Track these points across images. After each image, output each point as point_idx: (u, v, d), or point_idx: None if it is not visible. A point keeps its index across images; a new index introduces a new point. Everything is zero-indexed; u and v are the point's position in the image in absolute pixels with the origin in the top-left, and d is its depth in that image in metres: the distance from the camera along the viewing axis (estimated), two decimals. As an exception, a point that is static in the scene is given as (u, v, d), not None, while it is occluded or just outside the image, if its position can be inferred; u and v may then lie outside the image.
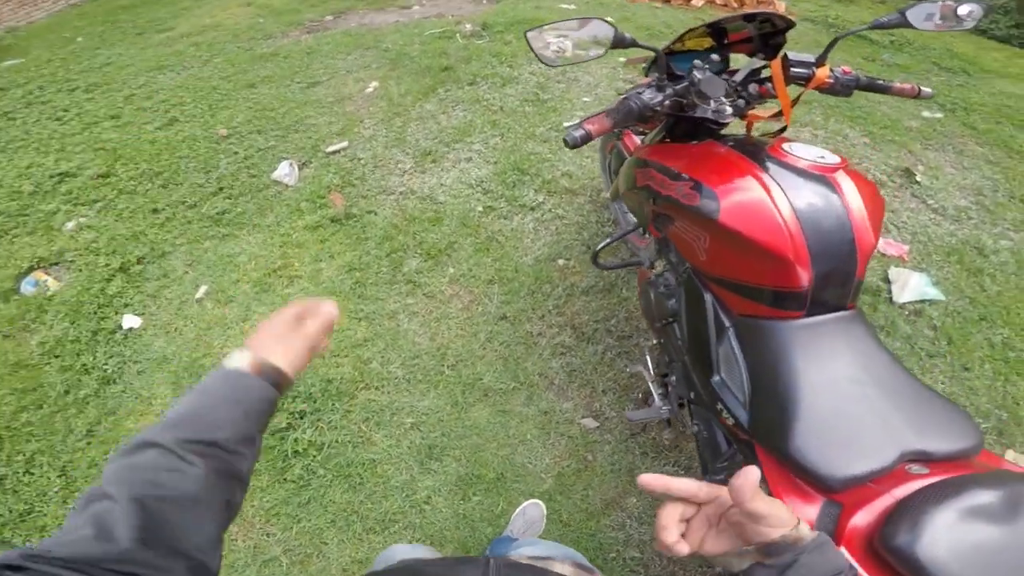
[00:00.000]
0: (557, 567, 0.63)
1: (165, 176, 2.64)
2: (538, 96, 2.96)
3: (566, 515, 1.55)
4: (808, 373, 0.87)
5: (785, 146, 1.00)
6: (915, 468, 0.80)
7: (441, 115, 2.85)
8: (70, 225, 2.44)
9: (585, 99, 3.00)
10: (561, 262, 2.09)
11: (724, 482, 1.05)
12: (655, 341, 1.51)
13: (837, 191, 0.92)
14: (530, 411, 1.71)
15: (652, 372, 1.51)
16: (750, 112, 1.19)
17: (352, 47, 3.73)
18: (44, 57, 4.44)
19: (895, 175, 2.84)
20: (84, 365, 1.89)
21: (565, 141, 0.96)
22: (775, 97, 1.14)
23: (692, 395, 1.24)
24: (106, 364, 1.90)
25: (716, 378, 1.02)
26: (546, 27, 1.03)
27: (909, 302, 2.12)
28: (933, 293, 2.17)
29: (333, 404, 1.71)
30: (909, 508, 0.70)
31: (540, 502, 1.58)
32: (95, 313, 2.04)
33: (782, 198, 0.90)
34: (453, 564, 0.63)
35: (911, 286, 2.17)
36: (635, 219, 1.52)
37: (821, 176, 0.94)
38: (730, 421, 0.98)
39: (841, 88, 1.17)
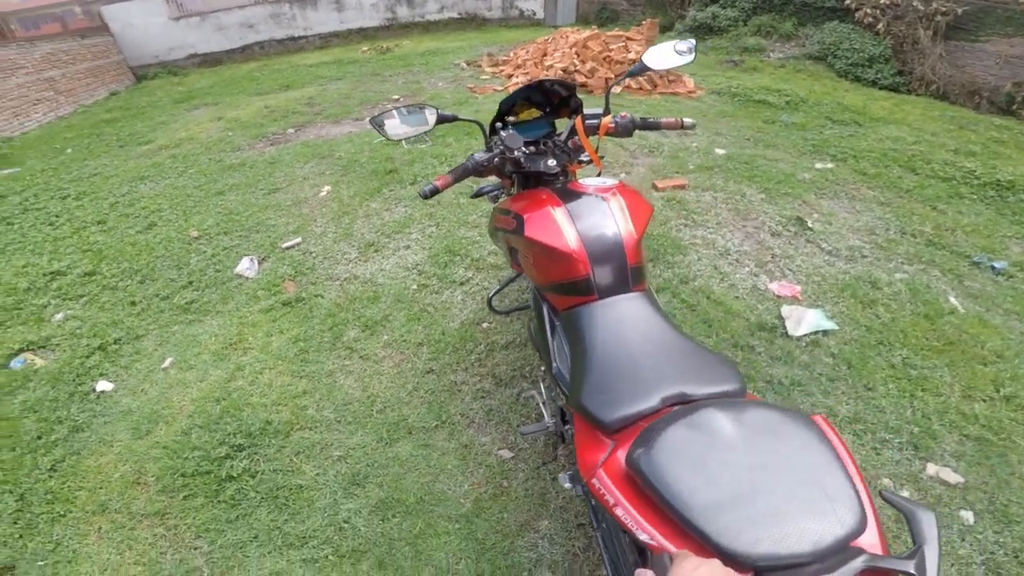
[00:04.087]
0: None
1: (143, 273, 3.23)
2: (471, 189, 3.63)
3: (482, 535, 1.83)
4: (598, 342, 1.18)
5: (581, 180, 1.49)
6: (677, 409, 0.98)
7: (385, 212, 3.53)
8: (59, 316, 2.94)
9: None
10: (485, 325, 2.61)
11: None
12: (543, 368, 1.94)
13: (606, 202, 1.36)
14: (451, 445, 2.10)
15: (544, 394, 1.93)
16: (572, 165, 1.70)
17: (310, 156, 4.53)
18: (38, 167, 5.26)
19: (789, 224, 3.42)
20: (59, 417, 2.31)
21: (419, 194, 1.42)
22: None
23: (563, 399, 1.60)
24: (78, 417, 2.32)
25: (554, 366, 1.38)
26: (385, 113, 1.52)
27: (805, 334, 2.47)
28: (828, 324, 2.51)
29: (269, 440, 2.12)
30: (649, 431, 0.92)
31: None
32: (73, 380, 2.49)
33: (564, 214, 1.34)
34: None
35: (807, 320, 2.52)
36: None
37: (596, 195, 1.39)
38: (564, 398, 1.30)
39: (622, 130, 1.61)
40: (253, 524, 1.88)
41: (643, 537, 0.85)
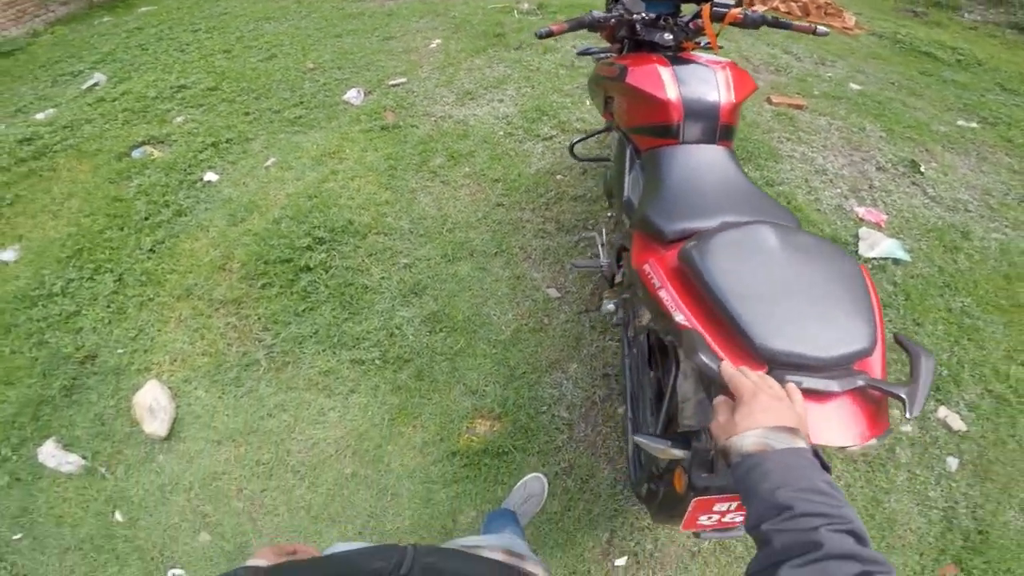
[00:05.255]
0: (486, 552, 0.71)
1: (259, 92, 3.59)
2: (573, 63, 3.70)
3: (514, 364, 2.06)
4: (674, 174, 1.34)
5: (692, 52, 1.60)
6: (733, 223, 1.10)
7: (486, 68, 3.67)
8: (179, 119, 3.37)
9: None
10: (559, 176, 2.76)
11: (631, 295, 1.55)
12: (610, 215, 2.08)
13: (712, 71, 1.47)
14: (505, 274, 2.32)
15: (603, 237, 2.10)
16: (687, 43, 1.77)
17: (425, 13, 4.67)
18: (173, 5, 5.73)
19: (899, 164, 3.25)
20: (166, 201, 2.67)
21: (536, 34, 1.57)
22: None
23: (622, 235, 1.76)
24: (183, 202, 2.68)
25: (625, 196, 1.56)
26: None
27: (876, 258, 2.47)
28: (902, 255, 2.50)
29: (348, 239, 2.42)
30: (703, 234, 1.05)
31: (543, 476, 1.79)
32: (185, 170, 2.88)
33: (669, 71, 1.45)
34: (376, 550, 0.66)
35: (882, 246, 2.52)
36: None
37: (705, 64, 1.49)
38: (627, 224, 1.51)
39: (749, 22, 1.63)
40: (316, 319, 2.16)
41: (679, 318, 0.96)
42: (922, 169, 3.18)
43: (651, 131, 1.47)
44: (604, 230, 2.13)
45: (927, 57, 5.23)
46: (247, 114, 3.34)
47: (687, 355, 0.83)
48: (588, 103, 3.28)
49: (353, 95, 3.37)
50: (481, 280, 2.29)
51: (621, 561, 1.67)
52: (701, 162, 1.36)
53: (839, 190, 2.92)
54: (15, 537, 1.79)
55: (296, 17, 4.99)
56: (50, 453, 1.90)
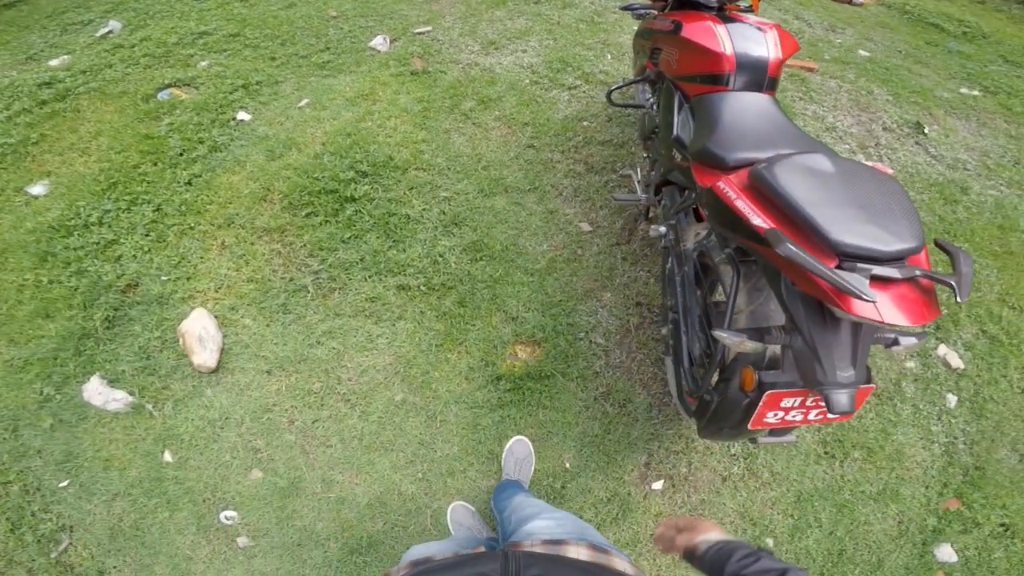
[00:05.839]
0: (572, 551, 0.71)
1: (283, 38, 3.59)
2: (593, 19, 3.78)
3: (550, 292, 2.18)
4: (726, 116, 1.51)
5: (739, 14, 1.75)
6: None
7: (508, 20, 3.73)
8: (204, 63, 3.36)
9: (634, 27, 3.72)
10: (586, 123, 2.87)
11: (677, 222, 1.76)
12: (645, 155, 2.21)
13: (761, 31, 1.63)
14: (539, 208, 2.45)
15: (639, 174, 2.24)
16: (729, 4, 1.88)
17: (442, -34, 4.63)
18: None
19: (904, 126, 3.40)
20: (200, 138, 2.68)
21: None
22: None
23: (663, 170, 1.92)
24: (217, 139, 2.68)
25: (675, 134, 1.72)
26: None
27: None
28: None
29: (390, 173, 2.52)
30: (768, 159, 1.23)
31: (525, 438, 1.84)
32: (216, 110, 2.88)
33: (722, 28, 1.62)
34: (470, 560, 0.66)
35: None
36: (647, 95, 2.23)
37: (754, 24, 1.65)
38: (678, 158, 1.68)
39: None
40: (362, 247, 2.24)
41: (756, 221, 1.10)
42: (926, 131, 3.34)
43: (702, 79, 1.64)
44: (639, 169, 2.25)
45: (934, 28, 5.33)
46: (273, 59, 3.36)
47: (774, 246, 0.98)
48: (610, 57, 3.38)
49: (379, 42, 3.41)
50: (516, 214, 2.40)
51: (658, 485, 1.81)
52: (751, 106, 1.53)
53: (848, 146, 3.07)
54: (61, 485, 1.72)
55: (308, -31, 4.94)
56: (96, 390, 1.79)
